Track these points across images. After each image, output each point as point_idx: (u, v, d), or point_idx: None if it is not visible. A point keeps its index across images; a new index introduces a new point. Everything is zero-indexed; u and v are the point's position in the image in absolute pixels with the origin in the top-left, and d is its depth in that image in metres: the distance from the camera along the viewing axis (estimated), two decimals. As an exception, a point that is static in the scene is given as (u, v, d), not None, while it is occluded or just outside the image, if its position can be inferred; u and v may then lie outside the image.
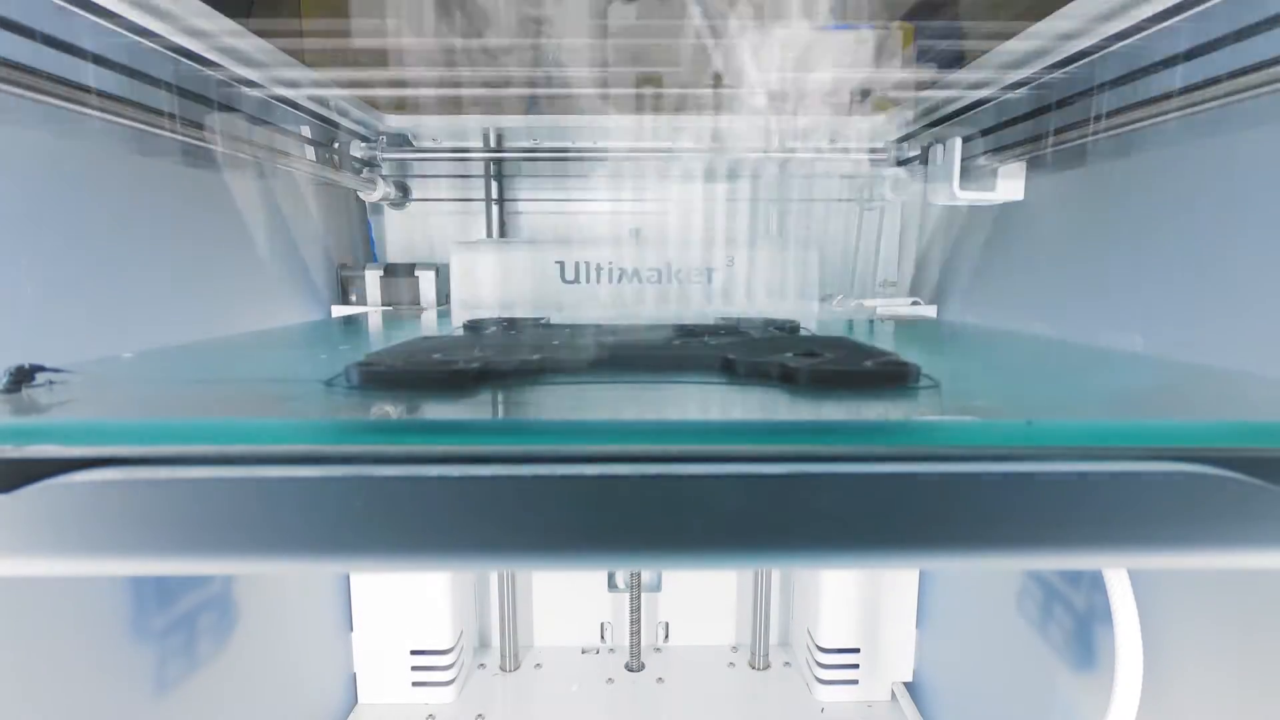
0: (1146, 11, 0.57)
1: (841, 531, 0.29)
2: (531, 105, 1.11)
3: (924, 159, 0.98)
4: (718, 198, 1.20)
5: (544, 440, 0.30)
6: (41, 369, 0.40)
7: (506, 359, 0.47)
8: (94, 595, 0.65)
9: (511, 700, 1.23)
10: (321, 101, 0.95)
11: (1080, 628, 0.76)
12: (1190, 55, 0.55)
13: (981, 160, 0.86)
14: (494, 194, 1.19)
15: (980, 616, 1.01)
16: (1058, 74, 0.71)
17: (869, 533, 0.29)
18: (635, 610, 1.28)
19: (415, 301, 1.15)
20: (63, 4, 0.54)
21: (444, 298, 1.17)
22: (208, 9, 0.64)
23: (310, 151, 1.00)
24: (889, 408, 0.38)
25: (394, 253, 1.24)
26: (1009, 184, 0.87)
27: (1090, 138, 0.68)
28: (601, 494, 0.28)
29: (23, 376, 0.38)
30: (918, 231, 1.19)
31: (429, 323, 0.96)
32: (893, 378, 0.41)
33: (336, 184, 1.10)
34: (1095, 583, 0.71)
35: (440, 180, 1.22)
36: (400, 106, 1.10)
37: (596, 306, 1.05)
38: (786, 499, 0.29)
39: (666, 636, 1.37)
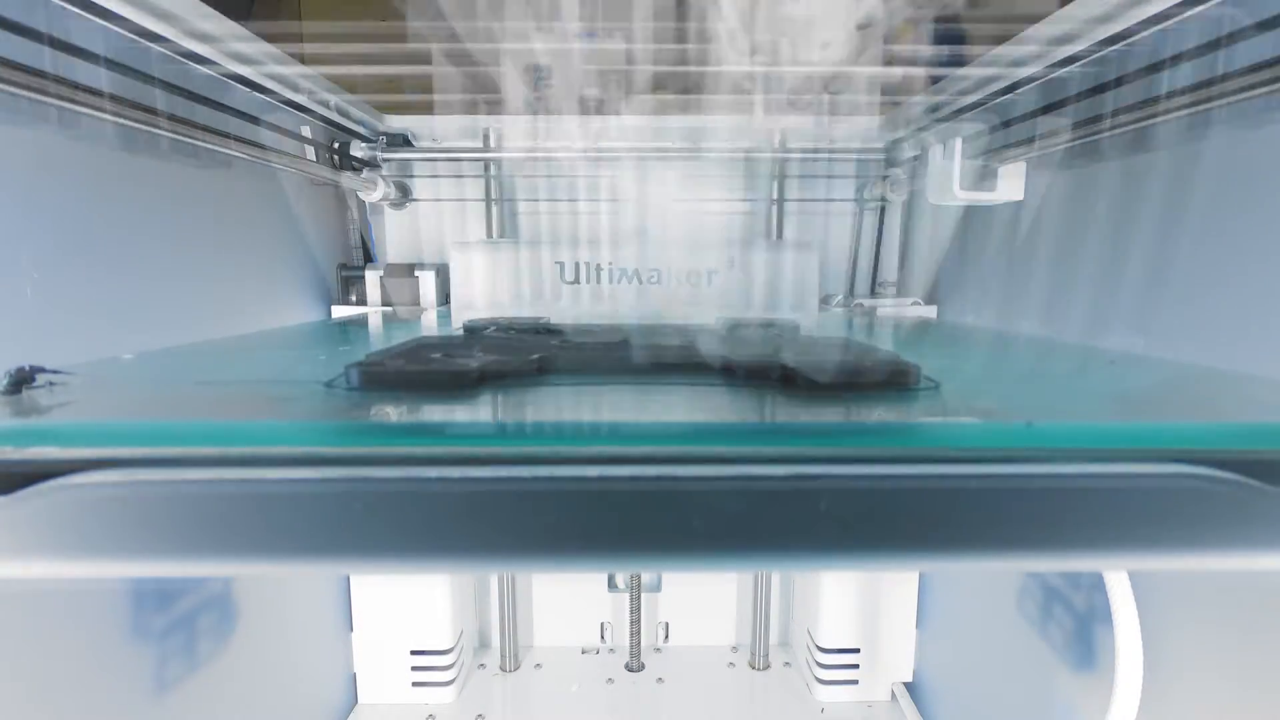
0: (1147, 11, 0.57)
1: (842, 533, 0.29)
2: (532, 105, 1.11)
3: (924, 159, 0.98)
4: (718, 198, 1.20)
5: (544, 442, 0.30)
6: (42, 370, 0.40)
7: (506, 360, 0.47)
8: (94, 596, 0.65)
9: (511, 700, 1.23)
10: (322, 102, 0.95)
11: (1080, 628, 0.76)
12: (1198, 53, 0.55)
13: (982, 160, 0.86)
14: (494, 194, 1.19)
15: (980, 617, 1.01)
16: (1058, 73, 0.71)
17: (869, 535, 0.29)
18: (635, 610, 1.28)
19: (415, 302, 1.15)
20: (63, 4, 0.54)
21: (444, 298, 1.17)
22: (208, 9, 0.65)
23: (310, 152, 1.00)
24: (889, 409, 0.38)
25: (394, 253, 1.24)
26: (1009, 184, 0.87)
27: (1090, 138, 0.68)
28: (602, 496, 0.28)
29: (23, 378, 0.38)
30: (918, 232, 1.19)
31: (429, 323, 0.96)
32: (893, 379, 0.41)
33: (336, 184, 1.10)
34: (1095, 583, 0.71)
35: (440, 180, 1.22)
36: (400, 107, 1.10)
37: (597, 307, 1.05)
38: (786, 501, 0.29)
39: (666, 637, 1.37)
